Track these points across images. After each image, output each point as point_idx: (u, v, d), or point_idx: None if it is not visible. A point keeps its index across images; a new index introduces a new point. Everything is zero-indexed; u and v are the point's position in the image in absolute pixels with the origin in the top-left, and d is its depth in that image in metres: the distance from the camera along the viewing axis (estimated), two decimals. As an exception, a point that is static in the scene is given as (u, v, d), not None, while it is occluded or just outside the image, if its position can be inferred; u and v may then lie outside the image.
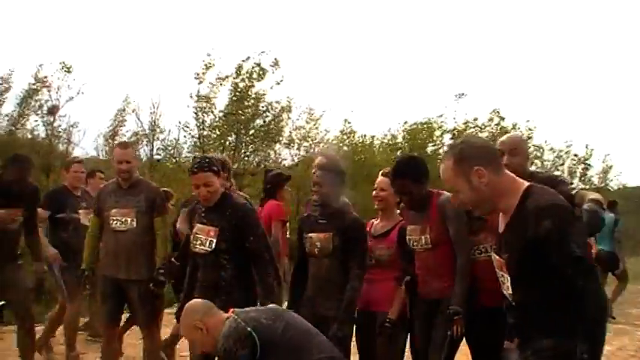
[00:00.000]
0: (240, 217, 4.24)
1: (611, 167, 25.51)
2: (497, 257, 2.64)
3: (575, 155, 24.27)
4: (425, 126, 22.25)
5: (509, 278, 2.53)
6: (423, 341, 4.07)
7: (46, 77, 18.25)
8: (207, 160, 4.34)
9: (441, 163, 2.67)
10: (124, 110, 19.80)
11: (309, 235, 4.29)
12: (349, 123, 21.63)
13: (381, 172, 4.65)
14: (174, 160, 19.64)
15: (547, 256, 2.34)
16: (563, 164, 23.81)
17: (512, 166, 3.60)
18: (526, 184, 2.54)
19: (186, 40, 36.94)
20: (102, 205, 5.18)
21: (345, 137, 21.67)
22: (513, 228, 2.48)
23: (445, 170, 2.61)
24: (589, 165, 24.06)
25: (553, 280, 2.36)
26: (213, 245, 4.14)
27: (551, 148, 23.64)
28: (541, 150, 23.51)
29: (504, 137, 4.19)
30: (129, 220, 4.96)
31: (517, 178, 2.59)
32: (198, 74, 18.84)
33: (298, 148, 20.84)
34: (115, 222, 4.98)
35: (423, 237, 4.02)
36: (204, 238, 4.15)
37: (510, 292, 2.54)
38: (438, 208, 4.01)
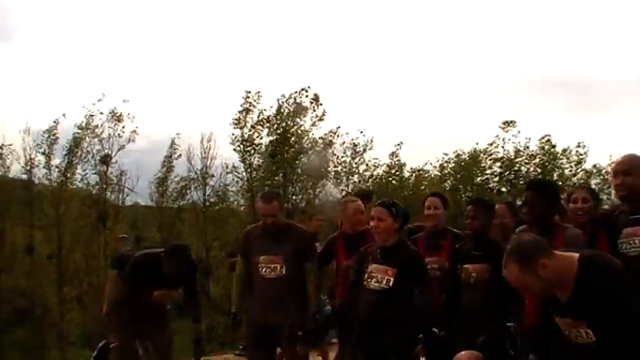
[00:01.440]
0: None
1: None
2: (564, 319, 2.91)
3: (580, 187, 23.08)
4: (471, 156, 22.14)
5: (589, 332, 2.81)
6: None
7: (96, 126, 19.08)
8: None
9: (504, 269, 2.88)
10: (170, 157, 20.34)
11: (465, 266, 4.34)
12: (397, 157, 21.53)
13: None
14: (224, 204, 20.03)
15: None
16: (609, 187, 23.09)
17: (625, 184, 3.67)
18: (575, 256, 2.82)
19: (227, 81, 37.38)
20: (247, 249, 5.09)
21: (392, 172, 21.55)
22: (581, 297, 2.78)
23: (511, 274, 2.85)
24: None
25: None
26: (391, 283, 4.22)
27: (599, 171, 23.03)
28: (592, 175, 22.99)
29: (620, 157, 3.95)
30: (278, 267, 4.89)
31: (564, 253, 2.87)
32: (239, 119, 19.36)
33: (347, 185, 20.81)
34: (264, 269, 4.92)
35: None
36: (381, 277, 4.23)
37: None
38: (565, 240, 3.81)
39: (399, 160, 21.58)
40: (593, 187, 20.60)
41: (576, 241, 3.72)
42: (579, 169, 21.95)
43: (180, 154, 20.16)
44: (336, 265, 5.25)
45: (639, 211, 3.66)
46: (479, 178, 21.62)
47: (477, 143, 22.18)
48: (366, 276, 4.22)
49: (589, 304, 2.76)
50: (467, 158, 22.03)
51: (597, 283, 2.73)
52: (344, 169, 20.64)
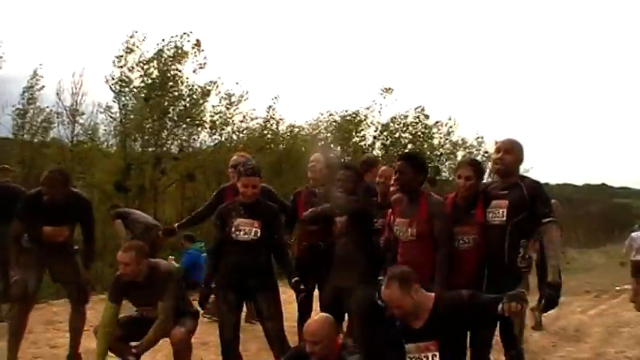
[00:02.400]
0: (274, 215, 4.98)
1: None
2: (415, 344, 3.74)
3: (486, 152, 24.49)
4: (352, 118, 22.75)
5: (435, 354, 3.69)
6: None
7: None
8: (257, 167, 5.00)
9: (386, 289, 3.74)
10: (32, 87, 19.31)
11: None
12: (274, 110, 21.74)
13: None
14: (94, 142, 19.39)
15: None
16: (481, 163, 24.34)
17: (505, 161, 4.31)
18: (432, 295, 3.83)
19: (107, 19, 35.97)
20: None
21: (269, 125, 21.77)
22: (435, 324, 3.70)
23: (392, 292, 3.70)
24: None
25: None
26: (258, 234, 4.78)
27: (464, 144, 24.36)
28: (457, 146, 24.28)
29: (504, 138, 4.55)
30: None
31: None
32: (120, 57, 18.72)
33: (220, 134, 20.81)
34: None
35: (409, 229, 4.47)
36: (249, 229, 4.77)
37: None
38: (428, 206, 4.41)
39: (274, 115, 21.80)
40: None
41: (439, 207, 4.42)
42: (447, 141, 23.27)
43: (44, 86, 19.28)
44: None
45: (508, 187, 4.30)
46: (356, 139, 22.22)
47: (346, 110, 22.81)
48: (233, 229, 4.78)
49: (440, 330, 3.66)
50: (339, 119, 22.58)
51: (448, 316, 3.66)
52: (220, 119, 20.47)
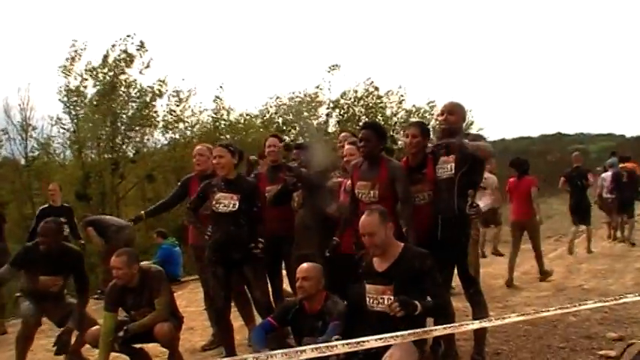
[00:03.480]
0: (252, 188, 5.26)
1: (472, 124, 26.79)
2: (375, 285, 4.01)
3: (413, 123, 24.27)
4: (308, 98, 22.85)
5: (390, 298, 3.86)
6: None
7: None
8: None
9: (367, 216, 4.04)
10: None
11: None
12: (220, 100, 21.69)
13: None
14: (49, 157, 19.26)
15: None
16: (428, 124, 24.66)
17: (449, 121, 4.68)
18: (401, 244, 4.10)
19: (49, 30, 35.39)
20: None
21: (219, 116, 21.69)
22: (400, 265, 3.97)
23: (372, 221, 3.99)
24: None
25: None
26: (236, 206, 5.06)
27: (418, 111, 24.54)
28: (411, 114, 24.50)
29: (447, 102, 4.90)
30: None
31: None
32: (65, 67, 18.57)
33: (173, 132, 20.76)
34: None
35: (371, 191, 4.68)
36: (228, 202, 5.07)
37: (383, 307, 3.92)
38: (389, 170, 4.69)
39: (223, 105, 21.75)
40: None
41: (399, 170, 4.71)
42: (400, 109, 23.55)
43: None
44: None
45: (453, 147, 4.60)
46: (312, 119, 22.36)
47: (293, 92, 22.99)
48: (214, 202, 5.10)
49: (398, 278, 3.90)
50: (287, 102, 22.74)
51: (409, 269, 3.92)
52: (171, 117, 20.42)
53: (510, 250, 8.60)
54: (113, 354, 5.45)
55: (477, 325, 4.25)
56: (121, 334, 4.92)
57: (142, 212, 6.33)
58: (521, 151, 28.72)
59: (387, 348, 3.70)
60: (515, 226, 8.69)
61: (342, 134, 5.75)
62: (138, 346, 5.23)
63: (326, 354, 3.45)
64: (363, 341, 3.49)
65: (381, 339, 3.48)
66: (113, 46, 18.93)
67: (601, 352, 4.92)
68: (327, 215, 5.13)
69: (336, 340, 3.83)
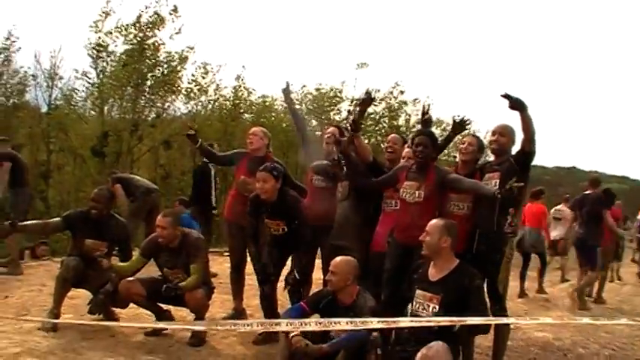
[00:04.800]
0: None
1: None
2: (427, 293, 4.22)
3: (472, 134, 24.13)
4: (332, 93, 22.83)
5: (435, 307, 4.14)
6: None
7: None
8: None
9: (437, 220, 4.38)
10: (6, 49, 19.12)
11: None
12: (243, 81, 21.57)
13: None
14: (71, 108, 19.28)
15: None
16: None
17: (499, 142, 4.92)
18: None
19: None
20: None
21: (240, 95, 21.60)
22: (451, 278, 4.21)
23: (438, 226, 4.28)
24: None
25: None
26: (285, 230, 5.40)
27: (440, 124, 24.49)
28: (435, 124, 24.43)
29: (501, 123, 5.07)
30: None
31: None
32: (95, 23, 18.58)
33: (196, 103, 20.79)
34: None
35: (417, 192, 4.82)
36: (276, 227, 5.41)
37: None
38: (437, 173, 4.86)
39: (244, 84, 21.61)
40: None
41: (447, 173, 4.90)
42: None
43: (20, 48, 19.14)
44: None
45: (500, 163, 4.86)
46: (332, 114, 22.40)
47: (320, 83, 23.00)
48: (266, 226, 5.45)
49: (448, 290, 4.17)
50: (315, 92, 22.71)
51: (460, 284, 4.19)
52: (196, 87, 20.43)
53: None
54: (137, 310, 5.62)
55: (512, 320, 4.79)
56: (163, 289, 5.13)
57: (200, 139, 6.29)
58: (535, 179, 28.77)
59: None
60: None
61: (331, 128, 5.85)
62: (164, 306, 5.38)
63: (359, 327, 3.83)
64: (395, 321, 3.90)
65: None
66: (147, 7, 18.90)
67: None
68: (371, 210, 5.25)
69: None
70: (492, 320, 4.52)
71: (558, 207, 11.40)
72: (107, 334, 5.42)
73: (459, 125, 5.13)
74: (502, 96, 4.40)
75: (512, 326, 5.41)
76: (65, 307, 5.71)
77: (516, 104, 4.41)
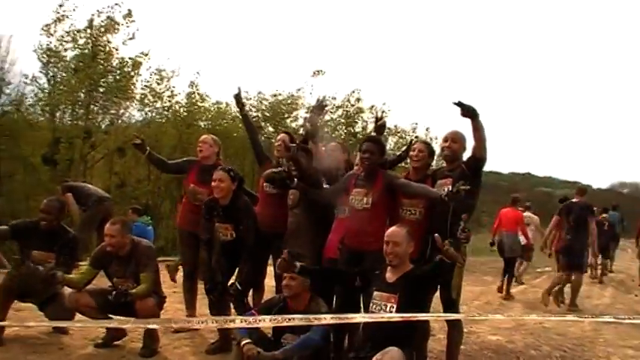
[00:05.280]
0: None
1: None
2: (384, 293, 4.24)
3: (416, 137, 23.57)
4: (289, 100, 22.68)
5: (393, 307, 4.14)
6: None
7: None
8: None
9: (396, 228, 4.36)
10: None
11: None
12: (197, 87, 21.31)
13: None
14: (20, 114, 18.81)
15: None
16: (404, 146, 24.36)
17: (452, 149, 4.94)
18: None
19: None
20: None
21: (193, 101, 21.28)
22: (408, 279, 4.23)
23: (400, 232, 4.28)
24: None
25: None
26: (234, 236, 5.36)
27: (397, 131, 24.54)
28: (390, 131, 24.46)
29: (452, 130, 5.12)
30: None
31: None
32: (47, 26, 18.20)
33: (150, 110, 20.42)
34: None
35: (365, 198, 4.85)
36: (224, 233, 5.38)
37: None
38: (384, 179, 4.89)
39: (198, 91, 21.35)
40: (392, 143, 22.52)
41: (394, 178, 4.96)
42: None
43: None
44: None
45: (452, 170, 4.88)
46: (288, 120, 22.32)
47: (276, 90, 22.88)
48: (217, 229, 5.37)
49: (405, 290, 4.19)
50: (271, 99, 22.58)
51: (416, 284, 4.25)
52: (150, 94, 20.15)
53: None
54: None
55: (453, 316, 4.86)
56: (110, 297, 5.02)
57: (148, 148, 6.19)
58: (490, 185, 29.27)
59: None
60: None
61: (281, 135, 5.88)
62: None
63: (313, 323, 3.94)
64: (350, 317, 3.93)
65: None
66: (100, 12, 18.57)
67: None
68: (325, 217, 5.22)
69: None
70: (445, 316, 4.60)
71: (525, 214, 11.88)
72: (55, 347, 5.34)
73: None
74: (455, 104, 4.43)
75: (465, 330, 5.46)
76: (11, 319, 5.56)
77: (468, 112, 4.44)
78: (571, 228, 9.26)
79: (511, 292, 10.68)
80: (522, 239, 10.84)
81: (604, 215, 14.83)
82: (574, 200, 9.58)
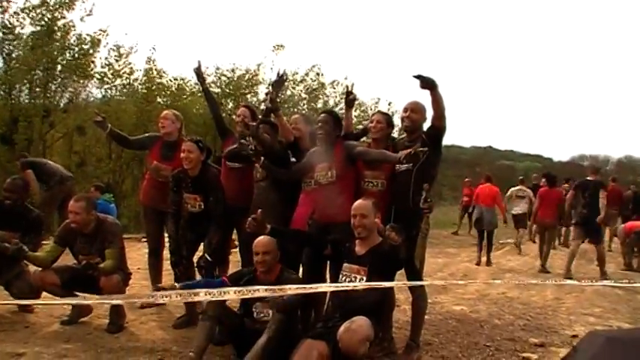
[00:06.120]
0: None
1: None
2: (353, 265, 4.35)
3: (379, 111, 24.26)
4: (248, 75, 22.36)
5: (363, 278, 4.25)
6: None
7: None
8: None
9: (362, 200, 4.43)
10: None
11: None
12: (154, 63, 20.81)
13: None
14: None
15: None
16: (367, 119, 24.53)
17: (412, 119, 4.92)
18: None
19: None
20: None
21: (152, 77, 20.74)
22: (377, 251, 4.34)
23: (366, 206, 4.39)
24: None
25: None
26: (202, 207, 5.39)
27: (360, 106, 24.47)
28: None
29: (411, 101, 5.10)
30: None
31: None
32: (1, 2, 17.70)
33: (109, 87, 20.04)
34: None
35: (329, 172, 4.89)
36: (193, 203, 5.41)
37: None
38: (343, 149, 4.93)
39: (155, 66, 20.84)
40: (355, 118, 22.51)
41: (353, 147, 4.96)
42: (342, 100, 23.61)
43: None
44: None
45: (412, 140, 4.87)
46: (249, 96, 22.12)
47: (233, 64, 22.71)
48: (184, 201, 5.40)
49: (373, 262, 4.33)
50: (229, 74, 22.33)
51: (384, 256, 4.33)
52: (110, 71, 19.80)
53: (540, 244, 11.64)
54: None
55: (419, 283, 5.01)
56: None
57: (109, 125, 6.10)
58: (452, 159, 29.56)
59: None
60: (541, 226, 11.67)
61: (241, 109, 5.88)
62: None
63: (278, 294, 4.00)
64: (315, 287, 4.10)
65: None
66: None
67: (523, 355, 5.23)
68: (293, 190, 5.22)
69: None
70: (410, 284, 4.77)
71: (519, 187, 13.83)
72: (21, 326, 5.30)
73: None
74: (414, 77, 4.44)
75: (430, 301, 5.55)
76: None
77: (427, 84, 4.45)
78: (587, 203, 10.24)
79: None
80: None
81: (565, 186, 15.36)
82: (589, 178, 10.49)
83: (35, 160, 9.63)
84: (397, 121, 6.18)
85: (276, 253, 4.59)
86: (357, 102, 7.33)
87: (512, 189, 13.84)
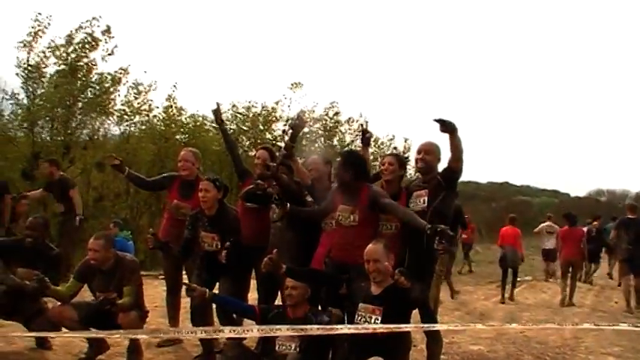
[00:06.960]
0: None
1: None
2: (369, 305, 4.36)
3: (395, 148, 24.46)
4: (265, 112, 22.62)
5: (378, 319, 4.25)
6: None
7: None
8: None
9: (373, 245, 4.42)
10: None
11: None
12: (174, 100, 21.21)
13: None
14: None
15: None
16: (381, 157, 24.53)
17: (425, 161, 4.93)
18: None
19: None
20: None
21: (171, 114, 21.19)
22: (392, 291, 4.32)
23: (377, 249, 4.40)
24: (407, 159, 25.00)
25: None
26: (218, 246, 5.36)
27: (375, 142, 24.48)
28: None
29: (426, 141, 5.12)
30: None
31: None
32: (26, 42, 18.08)
33: (128, 125, 20.34)
34: None
35: (352, 216, 4.87)
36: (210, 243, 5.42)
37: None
38: (369, 194, 4.88)
39: (175, 104, 21.27)
40: (371, 155, 22.57)
41: (378, 194, 4.89)
42: (358, 137, 23.71)
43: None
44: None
45: (427, 181, 4.92)
46: (267, 134, 22.27)
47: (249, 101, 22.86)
48: (199, 240, 5.42)
49: (389, 302, 4.32)
50: (244, 111, 22.52)
51: (399, 297, 4.33)
52: (129, 108, 20.08)
53: (561, 280, 12.15)
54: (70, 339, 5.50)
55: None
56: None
57: (127, 168, 6.29)
58: (469, 195, 29.39)
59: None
60: (566, 263, 12.08)
61: (260, 151, 5.94)
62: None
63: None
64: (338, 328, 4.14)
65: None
66: (79, 27, 18.46)
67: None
68: (309, 230, 5.24)
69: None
70: (427, 327, 4.65)
71: (548, 223, 15.10)
72: (38, 363, 5.32)
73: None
74: (435, 120, 4.47)
75: (447, 340, 5.52)
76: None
77: (447, 128, 4.49)
78: (632, 240, 10.67)
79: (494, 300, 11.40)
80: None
81: (594, 223, 16.21)
82: (630, 216, 10.99)
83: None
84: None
85: (305, 289, 4.65)
86: (372, 139, 7.42)
87: (542, 225, 14.93)
